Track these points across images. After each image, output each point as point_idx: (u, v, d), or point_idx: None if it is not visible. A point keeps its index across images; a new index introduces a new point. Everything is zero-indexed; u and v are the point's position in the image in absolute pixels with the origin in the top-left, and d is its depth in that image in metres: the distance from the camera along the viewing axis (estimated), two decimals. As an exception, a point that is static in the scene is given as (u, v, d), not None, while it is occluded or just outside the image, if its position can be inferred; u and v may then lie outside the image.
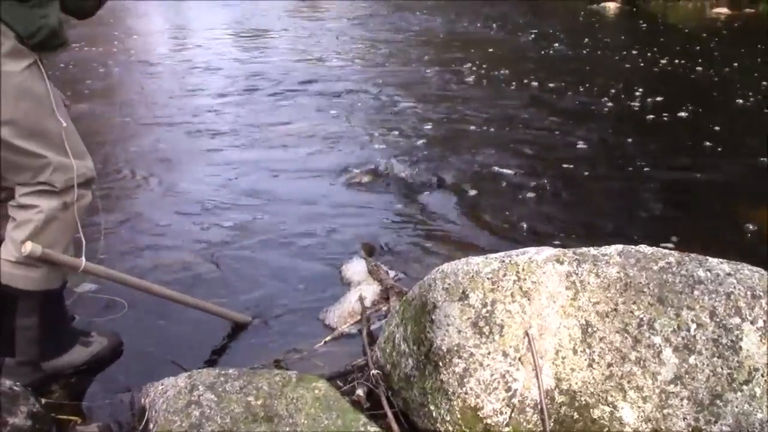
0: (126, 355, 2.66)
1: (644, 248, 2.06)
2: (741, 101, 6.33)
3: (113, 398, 2.42)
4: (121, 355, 2.66)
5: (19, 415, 2.06)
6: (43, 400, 2.31)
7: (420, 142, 5.35)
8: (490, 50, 8.93)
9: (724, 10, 11.74)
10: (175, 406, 1.94)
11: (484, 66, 7.91)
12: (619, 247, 2.06)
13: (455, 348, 1.95)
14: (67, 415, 2.30)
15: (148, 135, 5.62)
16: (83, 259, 2.36)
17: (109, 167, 4.72)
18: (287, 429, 1.88)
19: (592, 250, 2.06)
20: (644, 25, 10.86)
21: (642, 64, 7.92)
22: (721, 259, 2.05)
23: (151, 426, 1.96)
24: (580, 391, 1.87)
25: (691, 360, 1.85)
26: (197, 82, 7.41)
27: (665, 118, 5.80)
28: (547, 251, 2.07)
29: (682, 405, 1.82)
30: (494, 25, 10.60)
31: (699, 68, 7.59)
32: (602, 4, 12.92)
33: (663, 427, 1.82)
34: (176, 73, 7.80)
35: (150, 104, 6.58)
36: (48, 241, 2.24)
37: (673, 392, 1.83)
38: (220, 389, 1.99)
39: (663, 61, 7.95)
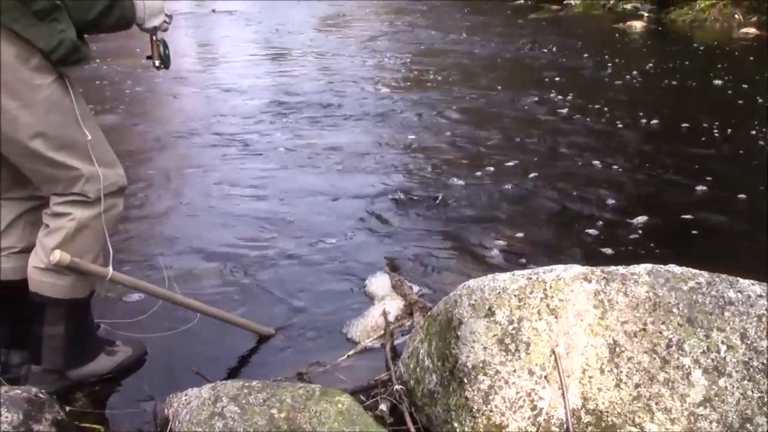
0: (150, 365, 2.68)
1: (674, 268, 2.03)
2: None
3: (137, 408, 2.43)
4: (144, 365, 2.67)
5: (44, 423, 2.07)
6: (68, 408, 2.34)
7: (447, 161, 5.34)
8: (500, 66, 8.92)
9: (753, 30, 11.65)
10: (199, 417, 1.93)
11: (498, 85, 7.89)
12: (648, 266, 2.04)
13: (480, 365, 1.93)
14: (91, 424, 2.32)
15: (174, 149, 5.66)
16: (110, 268, 2.38)
17: (134, 180, 4.76)
18: (310, 443, 1.87)
19: (621, 269, 2.04)
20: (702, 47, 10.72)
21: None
22: (752, 281, 2.02)
23: (174, 436, 1.96)
24: (607, 412, 1.84)
25: (721, 382, 1.82)
26: (224, 99, 7.43)
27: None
28: (575, 269, 2.05)
29: (711, 428, 1.79)
30: (528, 47, 10.55)
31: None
32: (628, 23, 12.87)
33: (691, 451, 1.79)
34: (201, 90, 7.83)
35: (175, 119, 6.63)
36: (79, 249, 2.27)
37: (702, 415, 1.80)
38: (243, 401, 1.98)
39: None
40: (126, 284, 2.53)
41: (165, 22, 2.47)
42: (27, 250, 2.35)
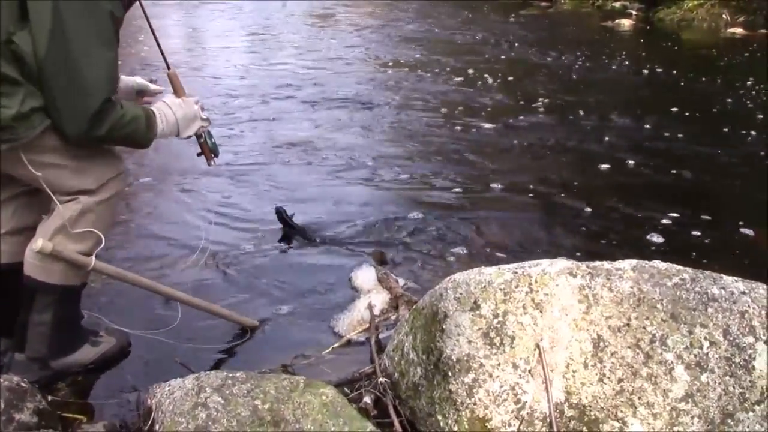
0: (133, 356, 2.66)
1: (658, 264, 2.04)
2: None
3: (120, 398, 2.42)
4: (128, 355, 2.65)
5: (26, 412, 2.06)
6: (50, 398, 2.32)
7: (435, 153, 5.34)
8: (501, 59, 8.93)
9: (740, 30, 11.71)
10: (182, 408, 1.93)
11: (503, 76, 7.90)
12: (633, 261, 2.05)
13: (465, 358, 1.94)
14: (73, 414, 2.30)
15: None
16: (93, 258, 2.36)
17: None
18: (294, 434, 1.87)
19: (606, 264, 2.05)
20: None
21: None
22: (735, 278, 2.03)
23: (157, 427, 1.95)
24: (590, 406, 1.85)
25: (703, 378, 1.83)
26: (213, 86, 7.41)
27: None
28: (561, 264, 2.05)
29: (692, 423, 1.81)
30: (506, 42, 10.56)
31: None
32: (616, 21, 12.90)
33: (673, 445, 1.80)
34: (191, 79, 7.77)
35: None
36: (79, 233, 2.27)
37: (684, 410, 1.81)
38: (227, 392, 1.97)
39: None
40: (109, 274, 2.51)
41: (202, 126, 2.51)
42: (15, 233, 2.34)
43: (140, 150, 2.46)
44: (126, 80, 2.61)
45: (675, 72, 8.27)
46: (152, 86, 2.67)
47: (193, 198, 4.35)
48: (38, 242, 2.19)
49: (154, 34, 2.51)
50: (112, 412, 2.34)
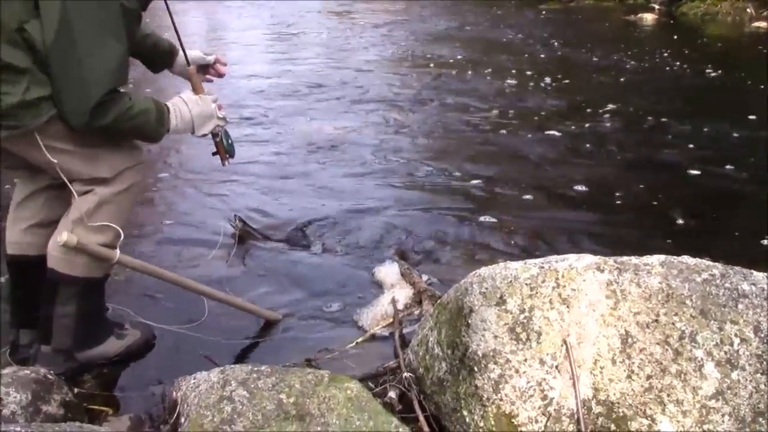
0: (158, 349, 2.67)
1: (687, 259, 2.01)
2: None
3: (145, 390, 2.43)
4: (153, 348, 2.67)
5: (53, 404, 2.08)
6: (76, 390, 2.34)
7: (458, 147, 5.32)
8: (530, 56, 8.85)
9: (764, 24, 11.55)
10: (207, 401, 1.93)
11: (531, 73, 7.84)
12: (662, 257, 2.02)
13: (491, 353, 1.92)
14: (99, 406, 2.32)
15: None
16: (117, 251, 2.37)
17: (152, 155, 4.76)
18: (319, 428, 1.86)
19: (634, 260, 2.02)
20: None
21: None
22: (766, 273, 2.00)
23: (183, 420, 1.96)
24: (618, 403, 1.83)
25: (734, 375, 1.81)
26: (238, 83, 7.39)
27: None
28: (588, 259, 2.03)
29: (723, 421, 1.78)
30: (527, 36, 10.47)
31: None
32: (639, 15, 12.79)
33: (702, 443, 1.78)
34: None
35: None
36: (98, 225, 2.28)
37: (714, 407, 1.79)
38: (252, 386, 1.97)
39: None
40: (134, 267, 2.52)
41: (218, 126, 2.48)
42: (44, 225, 2.36)
43: (152, 144, 2.45)
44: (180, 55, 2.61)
45: (721, 71, 7.90)
46: (208, 57, 2.66)
47: (219, 194, 4.37)
48: (63, 235, 2.20)
49: (176, 30, 2.51)
50: (137, 404, 2.36)
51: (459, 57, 8.88)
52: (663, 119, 6.01)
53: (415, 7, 13.91)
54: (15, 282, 2.50)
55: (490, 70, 8.01)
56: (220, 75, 2.74)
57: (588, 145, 5.36)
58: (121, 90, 2.14)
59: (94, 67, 2.04)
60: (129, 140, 2.36)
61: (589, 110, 6.34)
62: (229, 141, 2.59)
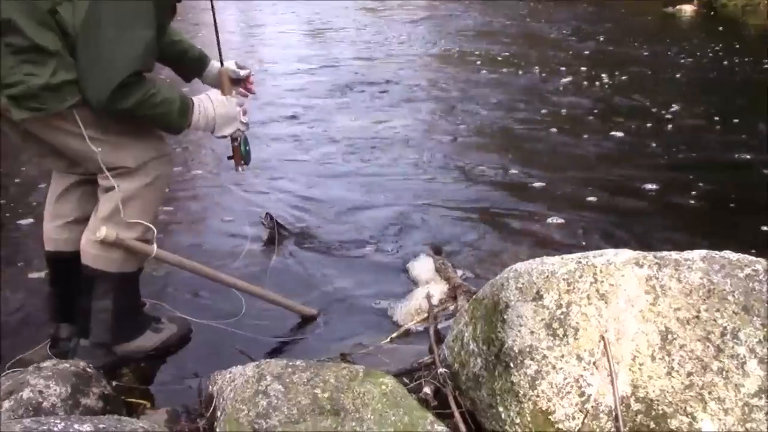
0: (194, 343, 2.70)
1: (729, 254, 1.97)
2: None
3: (181, 384, 2.46)
4: (189, 343, 2.69)
5: (91, 396, 2.10)
6: (114, 383, 2.37)
7: (493, 142, 5.27)
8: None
9: (808, 14, 11.29)
10: (243, 395, 1.94)
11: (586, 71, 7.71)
12: (703, 252, 1.98)
13: (527, 349, 1.90)
14: (137, 399, 2.34)
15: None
16: (155, 246, 2.40)
17: (181, 160, 4.81)
18: (353, 423, 1.86)
19: (674, 254, 1.98)
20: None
21: None
22: (813, 270, 1.94)
23: (219, 413, 1.97)
24: (658, 400, 1.80)
25: (778, 373, 1.76)
26: (275, 78, 7.37)
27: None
28: (626, 254, 1.99)
29: (766, 420, 1.73)
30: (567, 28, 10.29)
31: None
32: (678, 7, 12.56)
33: (745, 442, 1.74)
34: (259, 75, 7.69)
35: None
36: (128, 220, 2.30)
37: (757, 406, 1.74)
38: (287, 380, 1.98)
39: None
40: (171, 262, 2.54)
41: (239, 130, 2.46)
42: (81, 221, 2.39)
43: (175, 135, 2.42)
44: (216, 66, 2.63)
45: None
46: (242, 72, 2.65)
47: (258, 191, 4.40)
48: (101, 230, 2.23)
49: (216, 29, 2.51)
50: (174, 398, 2.38)
51: (505, 53, 8.67)
52: (730, 117, 5.69)
53: (449, 2, 13.76)
54: (54, 277, 2.54)
55: (538, 67, 7.78)
56: (249, 92, 2.72)
57: (654, 144, 5.13)
58: (147, 76, 2.14)
59: (121, 50, 2.04)
60: (153, 130, 2.36)
61: (654, 109, 6.08)
62: (247, 148, 2.56)
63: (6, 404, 1.94)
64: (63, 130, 2.15)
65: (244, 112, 2.46)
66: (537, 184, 4.37)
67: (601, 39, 9.61)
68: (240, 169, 2.59)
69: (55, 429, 1.56)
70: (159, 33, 2.18)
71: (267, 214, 3.67)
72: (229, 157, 2.58)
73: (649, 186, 4.30)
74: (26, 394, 1.98)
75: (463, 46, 9.16)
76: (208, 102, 2.37)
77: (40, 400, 1.98)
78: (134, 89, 2.09)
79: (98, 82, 2.05)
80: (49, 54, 2.03)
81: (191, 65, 2.66)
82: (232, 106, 2.42)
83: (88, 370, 2.19)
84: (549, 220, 3.82)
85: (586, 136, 5.39)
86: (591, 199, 4.14)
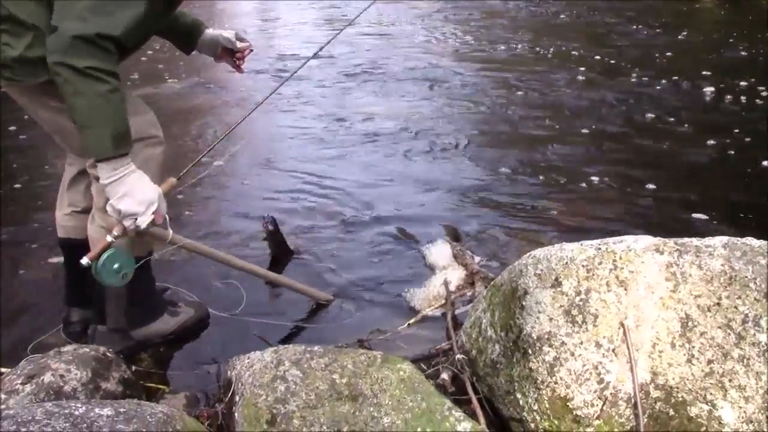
0: (212, 328, 2.71)
1: (751, 241, 1.95)
2: None
3: (200, 369, 2.47)
4: (207, 327, 2.70)
5: (111, 381, 2.12)
6: (134, 368, 2.38)
7: (511, 135, 5.23)
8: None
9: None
10: (261, 380, 1.94)
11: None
12: (724, 238, 1.96)
13: (546, 336, 1.89)
14: (156, 384, 2.36)
15: (233, 114, 5.67)
16: (170, 230, 2.37)
17: (200, 145, 4.81)
18: (371, 409, 1.86)
19: (695, 241, 1.96)
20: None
21: None
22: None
23: (237, 398, 1.98)
24: (678, 387, 1.79)
25: (800, 361, 1.74)
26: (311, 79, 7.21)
27: None
28: (646, 240, 1.98)
29: (787, 408, 1.72)
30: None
31: None
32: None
33: (766, 430, 1.72)
34: (272, 65, 7.62)
35: (236, 87, 6.63)
36: None
37: (778, 394, 1.73)
38: (305, 365, 1.98)
39: None
40: (186, 247, 2.54)
41: (131, 226, 2.07)
42: (87, 211, 2.38)
43: (86, 156, 2.15)
44: (212, 34, 2.58)
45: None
46: (239, 43, 2.59)
47: (267, 171, 4.40)
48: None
49: None
50: (192, 382, 2.40)
51: (564, 48, 8.12)
52: None
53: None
54: (66, 262, 2.56)
55: (598, 69, 7.18)
56: (237, 68, 2.66)
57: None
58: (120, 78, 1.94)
59: (101, 10, 1.84)
60: (140, 109, 2.22)
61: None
62: (115, 266, 2.12)
63: (27, 388, 1.96)
64: (37, 101, 2.10)
65: (157, 221, 2.11)
66: (556, 177, 4.33)
67: (640, 29, 9.38)
68: (83, 262, 2.09)
69: (77, 413, 1.57)
70: (166, 10, 2.08)
71: (268, 215, 3.31)
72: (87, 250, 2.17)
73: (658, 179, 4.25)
74: (47, 378, 1.99)
75: (491, 38, 9.00)
76: (140, 173, 2.05)
77: (61, 384, 2.00)
78: (96, 53, 1.83)
79: (64, 27, 1.82)
80: (26, 26, 1.94)
81: (184, 30, 2.55)
82: (153, 192, 2.07)
83: (108, 354, 2.20)
84: (567, 205, 3.80)
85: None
86: (610, 189, 4.12)
